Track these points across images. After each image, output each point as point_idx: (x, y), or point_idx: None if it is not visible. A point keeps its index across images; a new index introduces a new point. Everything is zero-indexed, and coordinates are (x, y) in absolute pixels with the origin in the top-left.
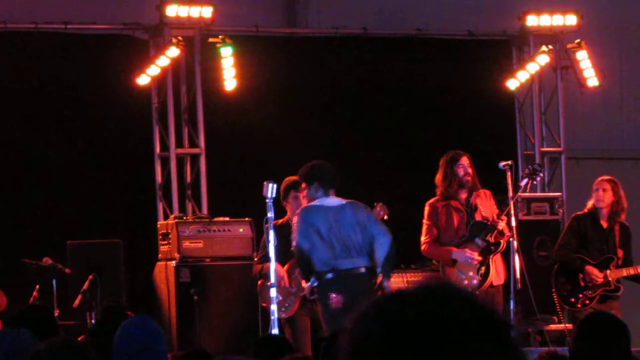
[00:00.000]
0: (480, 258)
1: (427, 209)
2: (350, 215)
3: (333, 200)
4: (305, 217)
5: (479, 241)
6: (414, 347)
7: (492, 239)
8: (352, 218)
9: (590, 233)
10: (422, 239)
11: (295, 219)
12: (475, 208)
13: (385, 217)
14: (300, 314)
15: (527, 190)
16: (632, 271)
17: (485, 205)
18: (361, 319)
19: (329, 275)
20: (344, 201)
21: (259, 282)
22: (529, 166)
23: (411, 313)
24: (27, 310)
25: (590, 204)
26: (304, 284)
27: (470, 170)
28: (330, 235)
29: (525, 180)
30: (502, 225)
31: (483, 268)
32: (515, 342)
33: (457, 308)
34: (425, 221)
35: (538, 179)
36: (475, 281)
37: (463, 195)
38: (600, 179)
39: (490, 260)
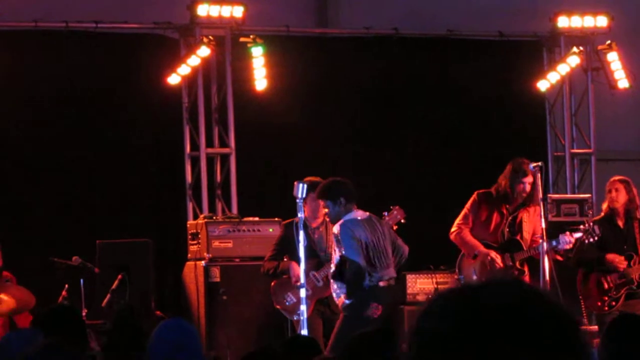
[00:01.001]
0: (502, 265)
1: (473, 197)
2: (381, 228)
3: (360, 213)
4: (352, 233)
5: (507, 259)
6: (481, 345)
7: (518, 264)
8: (384, 231)
9: (609, 235)
10: (456, 222)
11: (336, 230)
12: (520, 222)
13: (403, 221)
14: (314, 316)
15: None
16: None
17: (531, 221)
18: (427, 315)
19: (371, 286)
20: (367, 213)
21: (272, 283)
22: (589, 224)
23: (479, 310)
24: (55, 311)
25: (605, 206)
26: (341, 299)
27: (528, 188)
28: (371, 248)
29: (579, 234)
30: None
31: None
32: (585, 342)
33: (528, 305)
34: (466, 207)
35: (591, 239)
36: None
37: (514, 203)
38: (611, 179)
39: None
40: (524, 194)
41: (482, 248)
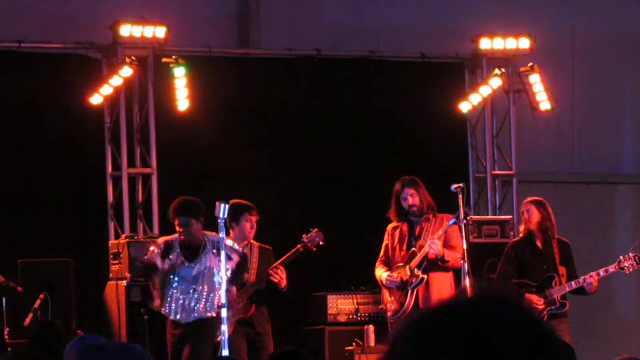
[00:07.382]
0: (398, 279)
1: (386, 229)
2: None
3: None
4: None
5: (410, 271)
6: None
7: (417, 272)
8: None
9: (528, 257)
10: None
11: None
12: (420, 232)
13: (322, 243)
14: (238, 337)
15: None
16: (574, 285)
17: (434, 230)
18: (406, 336)
19: None
20: None
21: None
22: (464, 209)
23: (450, 332)
24: None
25: (522, 228)
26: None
27: (415, 201)
28: None
29: (453, 220)
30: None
31: (403, 297)
32: (559, 352)
33: (498, 322)
34: (383, 241)
35: (465, 221)
36: (394, 307)
37: (414, 219)
38: (524, 201)
39: (410, 291)
40: (414, 208)
41: (384, 273)
